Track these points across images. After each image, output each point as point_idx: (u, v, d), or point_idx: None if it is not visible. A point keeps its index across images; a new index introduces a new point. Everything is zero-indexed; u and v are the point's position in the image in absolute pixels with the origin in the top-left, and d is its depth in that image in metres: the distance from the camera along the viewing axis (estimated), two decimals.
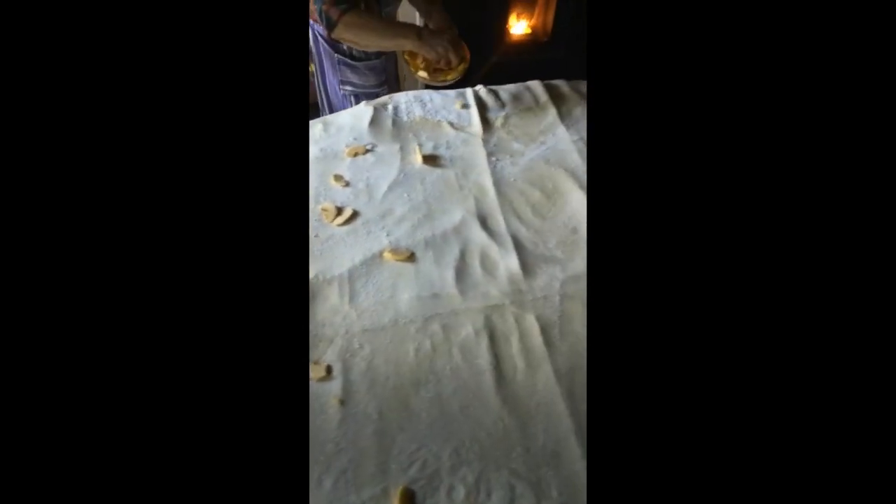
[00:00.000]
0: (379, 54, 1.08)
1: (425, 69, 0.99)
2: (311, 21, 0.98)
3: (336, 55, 1.06)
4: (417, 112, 0.99)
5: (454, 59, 0.94)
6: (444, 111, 0.99)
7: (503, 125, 0.96)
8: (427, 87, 1.06)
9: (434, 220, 0.77)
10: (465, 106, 1.00)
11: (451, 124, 0.96)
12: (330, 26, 0.88)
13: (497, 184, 0.84)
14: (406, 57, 1.00)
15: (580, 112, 1.00)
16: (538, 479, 0.50)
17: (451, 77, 0.99)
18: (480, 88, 1.04)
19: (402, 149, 0.90)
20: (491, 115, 0.98)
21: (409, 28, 0.94)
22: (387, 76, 1.12)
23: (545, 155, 0.90)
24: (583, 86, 1.07)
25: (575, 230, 0.76)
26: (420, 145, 0.90)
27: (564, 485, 0.49)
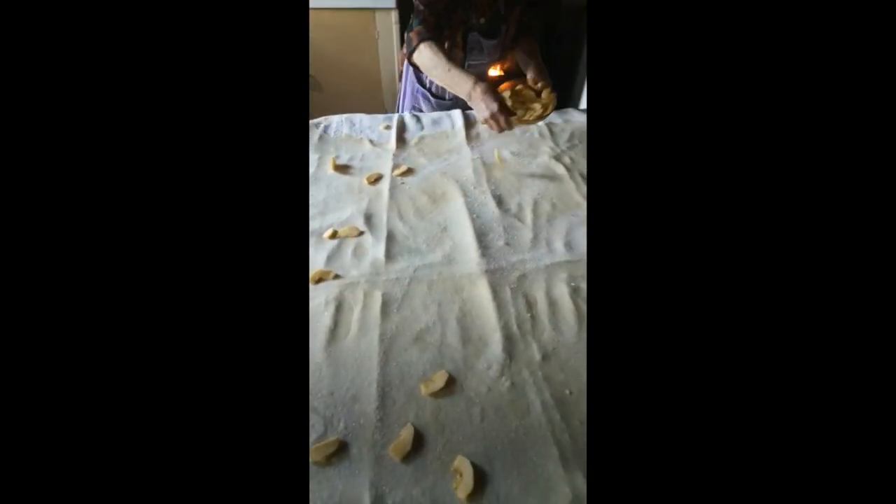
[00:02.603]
0: (452, 97, 1.19)
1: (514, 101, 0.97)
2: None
3: (417, 84, 1.22)
4: (345, 130, 1.13)
5: (500, 123, 0.93)
6: (368, 130, 1.13)
7: (416, 144, 1.09)
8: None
9: (326, 216, 0.89)
10: (388, 127, 1.14)
11: (371, 141, 1.10)
12: (410, 50, 1.03)
13: (392, 189, 0.95)
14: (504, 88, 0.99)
15: (486, 136, 1.12)
16: (332, 416, 0.58)
17: (529, 119, 0.96)
18: (406, 114, 1.19)
19: (320, 159, 1.04)
20: (408, 136, 1.12)
21: (469, 79, 0.95)
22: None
23: (444, 168, 1.01)
24: None
25: (445, 229, 0.86)
26: (336, 157, 1.04)
27: (353, 422, 0.57)
